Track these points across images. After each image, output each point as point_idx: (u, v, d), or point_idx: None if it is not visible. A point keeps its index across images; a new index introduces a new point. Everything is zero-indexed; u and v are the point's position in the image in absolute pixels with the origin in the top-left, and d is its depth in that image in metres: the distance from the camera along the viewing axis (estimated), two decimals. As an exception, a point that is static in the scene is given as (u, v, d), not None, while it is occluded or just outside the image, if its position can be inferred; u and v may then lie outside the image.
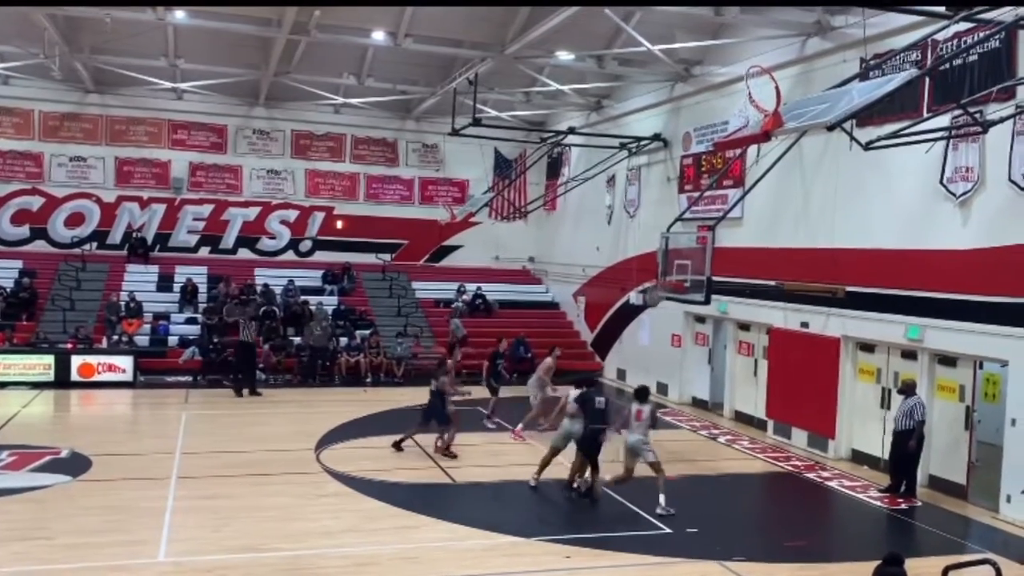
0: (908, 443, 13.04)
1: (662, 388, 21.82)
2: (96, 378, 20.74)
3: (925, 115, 13.19)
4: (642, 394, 12.45)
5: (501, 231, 29.63)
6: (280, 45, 20.65)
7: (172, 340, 23.33)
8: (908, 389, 13.41)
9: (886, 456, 14.23)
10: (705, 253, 15.12)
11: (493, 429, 17.05)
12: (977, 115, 11.93)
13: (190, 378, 21.77)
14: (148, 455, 14.36)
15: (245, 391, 19.97)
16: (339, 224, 28.82)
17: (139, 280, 25.62)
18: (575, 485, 12.72)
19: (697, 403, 20.61)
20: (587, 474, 12.63)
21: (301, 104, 27.47)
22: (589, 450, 12.43)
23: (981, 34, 11.89)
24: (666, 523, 11.49)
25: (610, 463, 12.77)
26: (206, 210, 27.79)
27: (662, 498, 11.89)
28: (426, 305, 27.26)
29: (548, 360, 17.19)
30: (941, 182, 13.43)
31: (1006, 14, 11.03)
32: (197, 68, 23.62)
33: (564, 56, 20.26)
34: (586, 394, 12.65)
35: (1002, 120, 11.44)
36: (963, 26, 12.22)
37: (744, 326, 18.98)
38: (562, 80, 22.84)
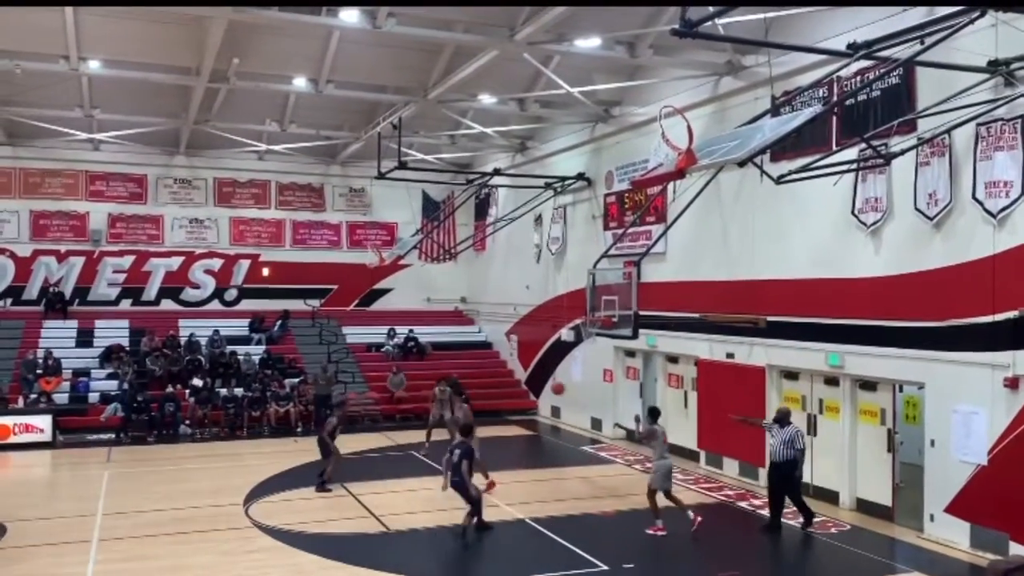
0: (794, 473, 12.81)
1: (596, 423, 21.93)
2: (12, 439, 19.95)
3: (834, 149, 13.67)
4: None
5: (432, 273, 29.56)
6: (199, 93, 20.41)
7: (93, 397, 22.61)
8: (783, 417, 13.18)
9: (815, 482, 14.47)
10: (631, 288, 15.36)
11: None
12: (882, 148, 12.43)
13: (113, 436, 21.06)
14: (67, 518, 13.80)
15: None
16: (265, 271, 28.42)
17: (57, 336, 24.79)
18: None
19: (631, 437, 20.68)
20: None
21: (223, 151, 27.13)
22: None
23: (881, 71, 12.42)
24: (602, 560, 11.47)
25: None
26: (127, 261, 27.11)
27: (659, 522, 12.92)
28: (357, 350, 26.95)
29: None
30: (853, 212, 13.91)
31: (903, 51, 11.54)
32: (114, 118, 23.20)
33: (486, 99, 20.49)
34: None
35: (903, 152, 11.94)
36: (865, 63, 12.75)
37: (673, 359, 19.23)
38: (486, 123, 23.05)
